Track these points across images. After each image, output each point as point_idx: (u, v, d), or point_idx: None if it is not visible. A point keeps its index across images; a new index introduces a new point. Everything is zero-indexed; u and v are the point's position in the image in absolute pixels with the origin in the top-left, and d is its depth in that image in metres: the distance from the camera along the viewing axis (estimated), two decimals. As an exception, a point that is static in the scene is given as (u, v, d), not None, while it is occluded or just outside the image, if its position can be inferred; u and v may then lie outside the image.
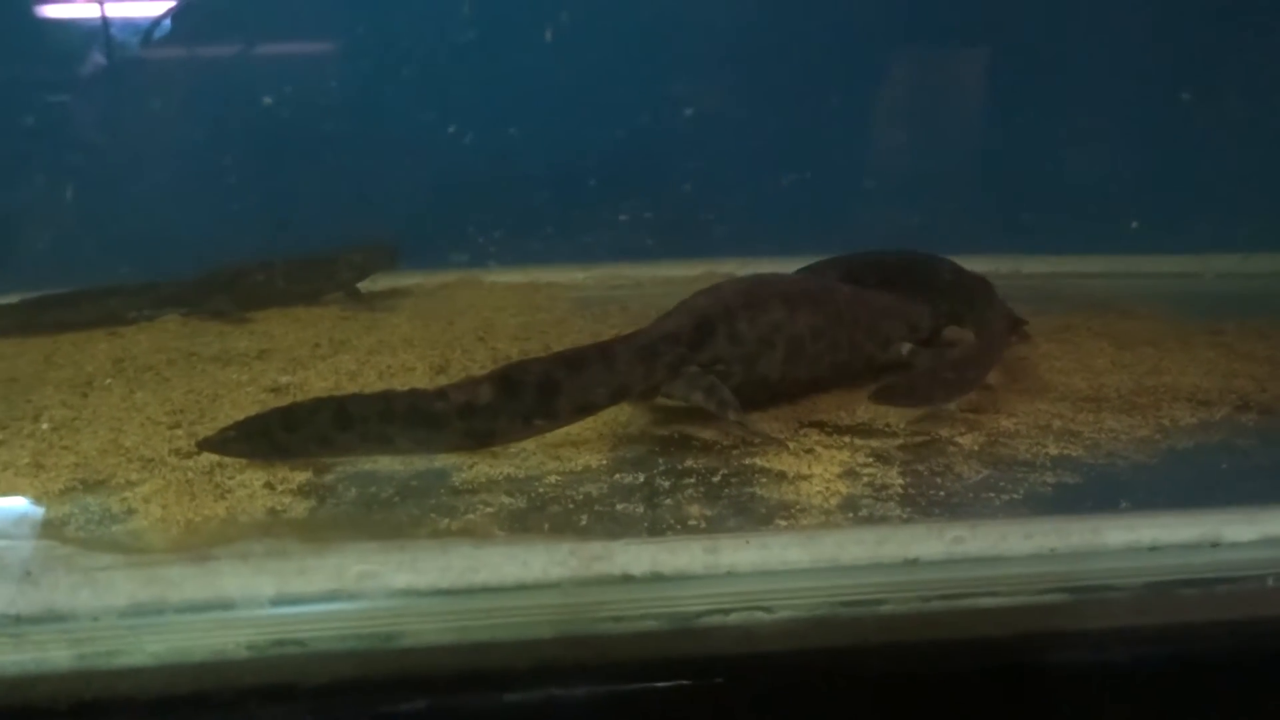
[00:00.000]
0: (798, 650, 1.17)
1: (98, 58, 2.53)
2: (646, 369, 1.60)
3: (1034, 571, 1.22)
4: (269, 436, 1.47)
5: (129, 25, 2.54)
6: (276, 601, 1.14)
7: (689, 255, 2.76)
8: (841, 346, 1.81)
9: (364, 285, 2.72)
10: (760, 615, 1.16)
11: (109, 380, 1.94)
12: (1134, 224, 2.61)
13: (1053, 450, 1.55)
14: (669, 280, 2.75)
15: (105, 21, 2.52)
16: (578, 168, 2.74)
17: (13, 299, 2.43)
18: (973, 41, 2.80)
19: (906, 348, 1.90)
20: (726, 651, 1.17)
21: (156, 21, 2.54)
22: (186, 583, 1.14)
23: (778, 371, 1.73)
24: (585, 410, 1.57)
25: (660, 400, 1.72)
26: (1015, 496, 1.39)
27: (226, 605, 1.13)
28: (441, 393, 1.47)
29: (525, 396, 1.50)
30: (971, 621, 1.20)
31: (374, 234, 2.70)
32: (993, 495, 1.40)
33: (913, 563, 1.22)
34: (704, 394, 1.63)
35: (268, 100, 2.54)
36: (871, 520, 1.33)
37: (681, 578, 1.19)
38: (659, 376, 1.62)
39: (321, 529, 1.33)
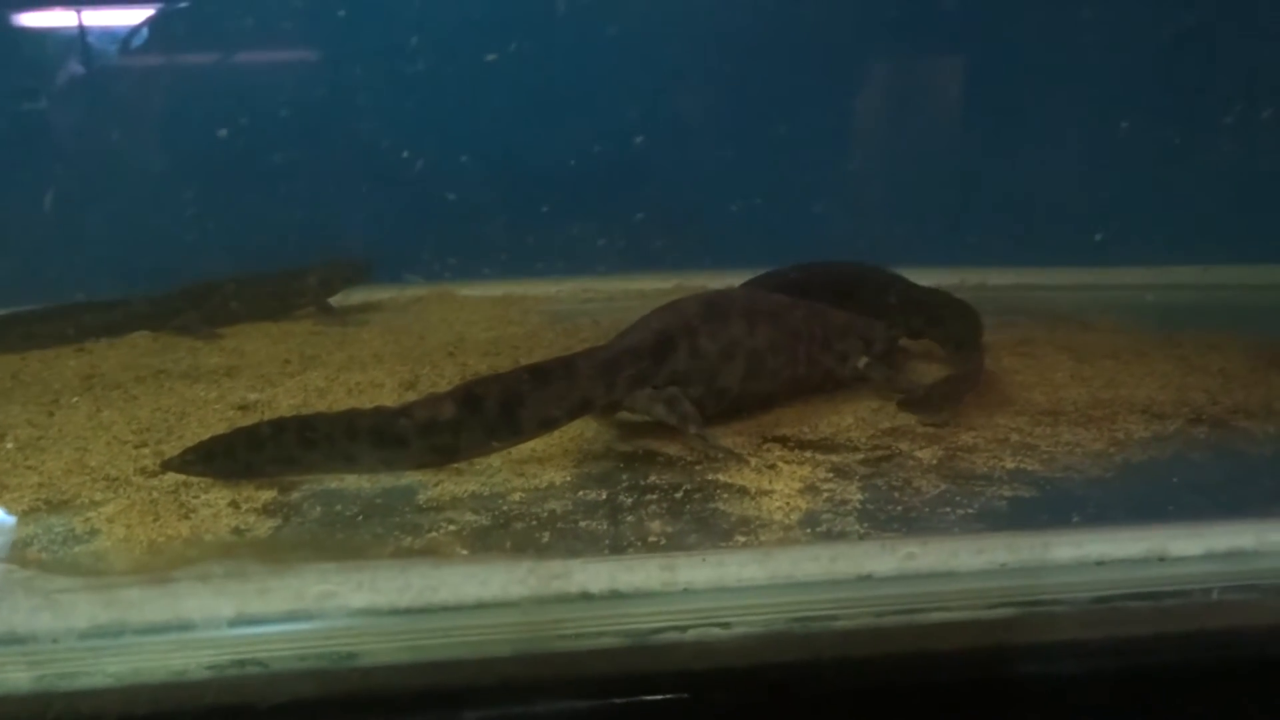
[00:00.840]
0: (754, 666, 1.18)
1: (73, 68, 2.52)
2: (608, 383, 1.62)
3: (984, 586, 1.24)
4: (233, 456, 1.48)
5: (96, 38, 2.54)
6: (236, 622, 1.14)
7: (660, 269, 2.78)
8: (799, 361, 1.85)
9: (336, 300, 2.73)
10: (717, 631, 1.18)
11: (76, 398, 1.93)
12: (1097, 236, 2.65)
13: (1009, 464, 1.57)
14: (641, 294, 2.76)
15: (82, 32, 2.51)
16: (549, 182, 2.76)
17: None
18: (937, 55, 2.84)
19: (863, 362, 1.94)
20: (684, 667, 1.17)
21: (128, 36, 2.54)
22: (147, 604, 1.15)
23: (738, 385, 1.76)
24: (548, 424, 1.58)
25: (623, 415, 1.74)
26: (970, 511, 1.41)
27: (187, 626, 1.13)
28: (405, 410, 1.48)
29: (488, 412, 1.51)
30: (924, 636, 1.21)
31: (346, 249, 2.71)
32: (949, 510, 1.42)
33: (866, 578, 1.24)
34: (666, 408, 1.66)
35: (236, 126, 2.54)
36: (830, 536, 1.34)
37: (639, 595, 1.21)
38: (621, 390, 1.64)
39: (284, 549, 1.33)
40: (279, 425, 1.48)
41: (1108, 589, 1.25)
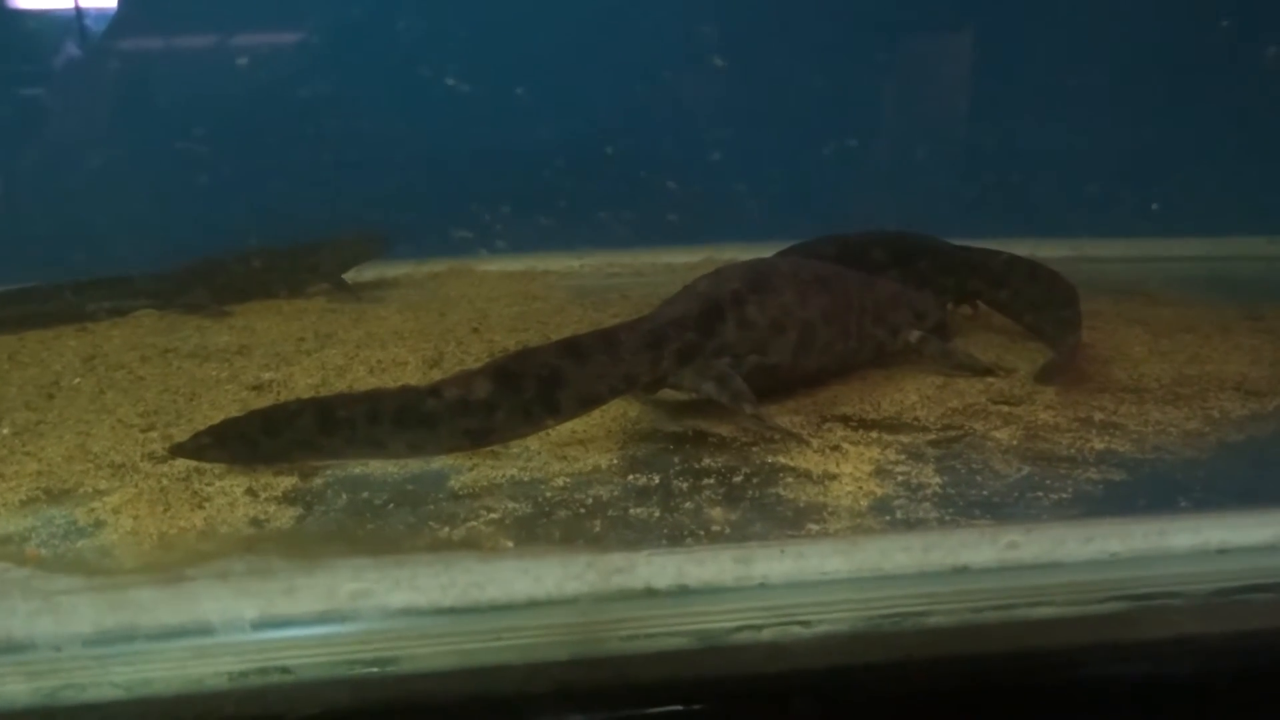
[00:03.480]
0: (837, 667, 1.08)
1: (71, 49, 2.41)
2: (653, 357, 1.49)
3: (1093, 578, 1.13)
4: (248, 441, 1.35)
5: (101, 15, 2.43)
6: (260, 625, 1.04)
7: (689, 241, 2.66)
8: (851, 333, 1.74)
9: (350, 276, 2.60)
10: (797, 630, 1.07)
11: (78, 380, 1.82)
12: (1154, 206, 2.51)
13: (1097, 445, 1.45)
14: (669, 267, 2.67)
15: (79, 11, 2.41)
16: (573, 154, 2.63)
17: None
18: (987, 20, 2.70)
19: (915, 335, 1.83)
20: (760, 670, 1.07)
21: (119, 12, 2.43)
22: (160, 606, 1.04)
23: (789, 359, 1.64)
24: (589, 403, 1.46)
25: (667, 393, 1.61)
26: (1063, 496, 1.29)
27: (204, 630, 1.03)
28: (434, 389, 1.35)
29: (525, 390, 1.38)
30: (1025, 633, 1.10)
31: (361, 221, 2.58)
32: (1039, 495, 1.30)
33: (962, 570, 1.13)
34: (716, 385, 1.53)
35: (242, 60, 2.41)
36: (908, 523, 1.23)
37: (710, 591, 1.10)
38: (666, 365, 1.52)
39: (309, 542, 1.21)
40: (298, 407, 1.35)
41: (1229, 580, 1.14)
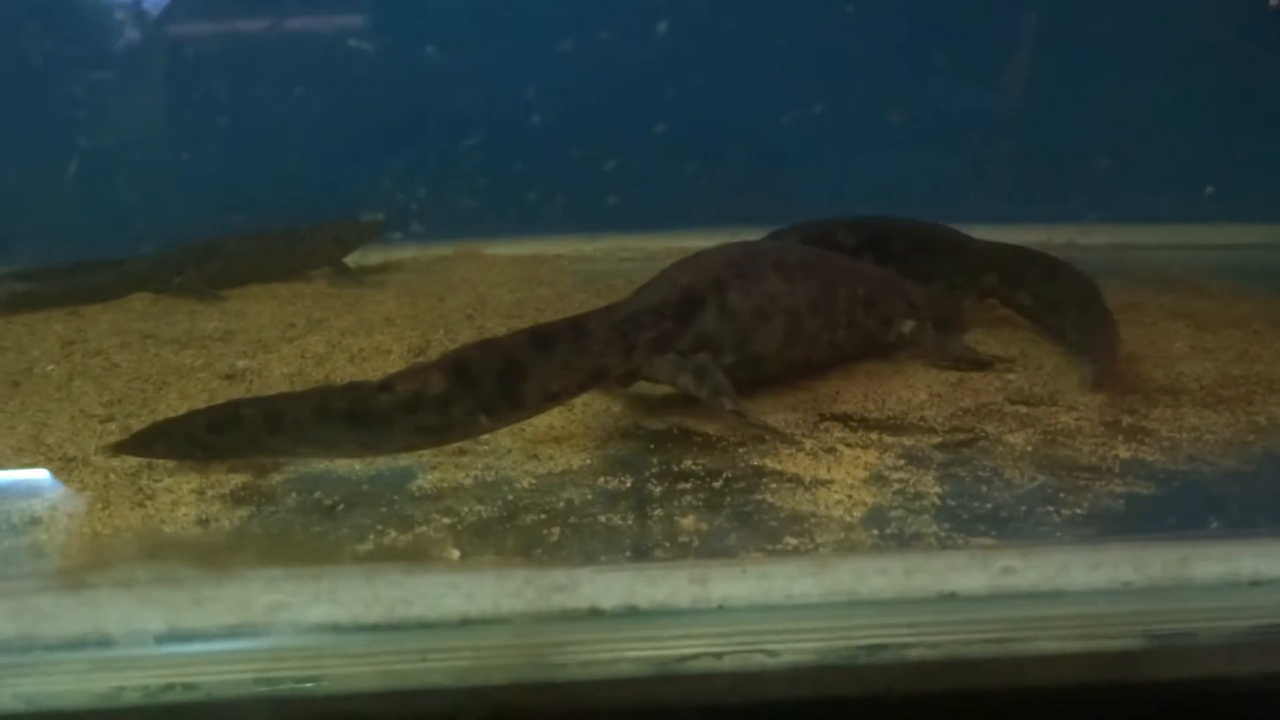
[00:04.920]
0: (806, 701, 0.98)
1: (129, 34, 2.38)
2: (625, 348, 1.39)
3: (1103, 611, 1.00)
4: (193, 440, 1.27)
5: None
6: (166, 638, 0.95)
7: (706, 225, 2.52)
8: (840, 323, 1.62)
9: (353, 259, 2.53)
10: (760, 659, 0.96)
11: (51, 366, 1.77)
12: (1209, 189, 2.31)
13: (1122, 453, 1.31)
14: (684, 252, 2.51)
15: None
16: (586, 132, 2.52)
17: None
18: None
19: (909, 326, 1.70)
20: (719, 702, 0.98)
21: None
22: (61, 615, 0.95)
23: (774, 351, 1.53)
24: (554, 398, 1.34)
25: (653, 386, 1.50)
26: (1078, 511, 1.16)
27: (105, 642, 0.94)
28: (385, 384, 1.25)
29: (484, 384, 1.27)
30: (1022, 670, 0.99)
31: (362, 204, 2.50)
32: (1050, 509, 1.16)
33: (950, 598, 1.01)
34: (694, 378, 1.43)
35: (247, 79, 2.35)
36: (902, 539, 1.11)
37: (663, 613, 1.00)
38: (640, 357, 1.41)
39: (244, 546, 1.14)
40: (240, 406, 1.26)
41: (1263, 616, 1.00)
